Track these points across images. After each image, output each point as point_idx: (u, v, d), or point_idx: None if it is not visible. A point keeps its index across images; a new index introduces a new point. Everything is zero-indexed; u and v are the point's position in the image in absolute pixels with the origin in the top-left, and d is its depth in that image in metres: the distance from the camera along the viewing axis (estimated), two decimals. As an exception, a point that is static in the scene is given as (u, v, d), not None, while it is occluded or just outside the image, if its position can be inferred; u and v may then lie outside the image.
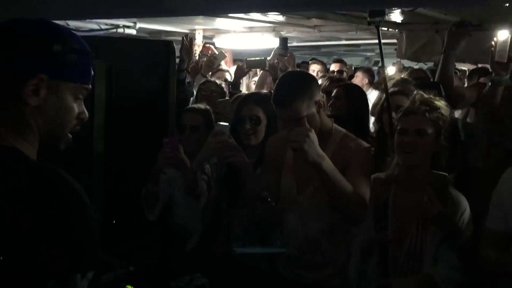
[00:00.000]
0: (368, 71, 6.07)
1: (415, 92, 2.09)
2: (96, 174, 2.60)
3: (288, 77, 2.22)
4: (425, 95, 2.04)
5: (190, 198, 2.45)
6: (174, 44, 3.01)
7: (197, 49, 4.51)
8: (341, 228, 2.16)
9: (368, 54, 10.48)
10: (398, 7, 3.12)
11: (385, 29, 4.58)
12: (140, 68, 2.80)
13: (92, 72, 1.14)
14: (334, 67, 5.67)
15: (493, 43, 2.68)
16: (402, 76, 4.48)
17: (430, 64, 5.05)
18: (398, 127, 2.02)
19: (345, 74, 5.54)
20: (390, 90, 2.79)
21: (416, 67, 5.41)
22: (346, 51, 9.52)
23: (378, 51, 8.84)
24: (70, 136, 1.14)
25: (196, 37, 4.55)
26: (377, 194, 2.07)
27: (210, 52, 4.55)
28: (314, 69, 5.51)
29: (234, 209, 2.46)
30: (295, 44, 6.90)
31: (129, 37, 3.32)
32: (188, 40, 3.56)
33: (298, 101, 2.02)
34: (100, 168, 2.61)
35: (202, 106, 2.84)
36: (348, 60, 9.60)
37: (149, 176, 2.45)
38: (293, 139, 1.92)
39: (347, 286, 2.09)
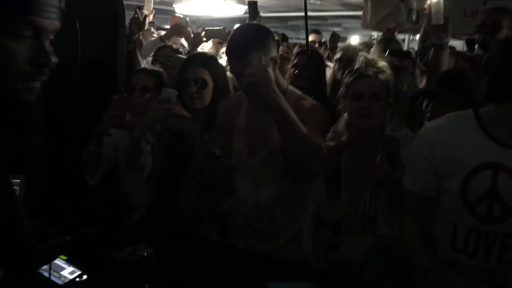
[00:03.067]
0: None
1: (359, 55, 2.04)
2: (33, 139, 2.39)
3: (243, 29, 2.05)
4: (368, 56, 1.99)
5: (133, 171, 2.29)
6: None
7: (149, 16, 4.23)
8: (293, 197, 2.05)
9: (335, 29, 10.41)
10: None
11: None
12: (85, 24, 2.57)
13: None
14: (310, 37, 5.50)
15: (426, 6, 2.55)
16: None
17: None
18: (351, 91, 1.93)
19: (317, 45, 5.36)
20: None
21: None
22: (313, 25, 9.40)
23: (345, 25, 8.76)
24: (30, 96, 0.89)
25: (146, 5, 4.27)
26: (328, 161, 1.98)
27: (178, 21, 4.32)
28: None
29: (181, 179, 2.30)
30: (260, 14, 6.72)
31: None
32: (141, 15, 3.31)
33: (252, 54, 1.88)
34: (38, 133, 2.40)
35: (154, 67, 2.65)
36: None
37: (91, 137, 2.26)
38: (250, 73, 1.78)
39: (299, 257, 1.99)
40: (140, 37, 3.96)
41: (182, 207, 2.29)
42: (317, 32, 5.59)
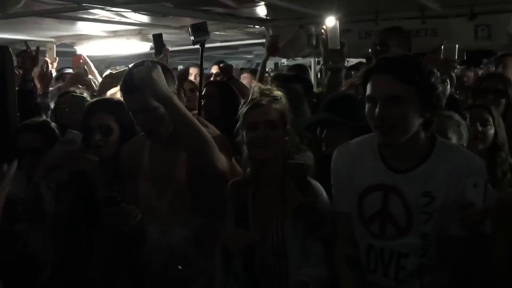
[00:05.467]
0: (254, 72, 6.07)
1: (253, 85, 2.05)
2: None
3: (139, 64, 1.98)
4: (263, 86, 2.01)
5: (37, 226, 2.16)
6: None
7: (50, 65, 4.06)
8: (207, 235, 2.01)
9: (249, 56, 10.60)
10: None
11: (251, 26, 4.56)
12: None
13: None
14: (213, 69, 5.53)
15: (323, 31, 2.65)
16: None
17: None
18: (246, 121, 1.92)
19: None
20: None
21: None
22: (226, 54, 9.48)
23: (257, 52, 8.90)
24: None
25: (48, 53, 4.08)
26: (235, 197, 1.97)
27: (82, 61, 4.17)
28: (192, 72, 5.34)
29: (92, 232, 2.18)
30: (170, 48, 6.68)
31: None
32: (29, 47, 3.16)
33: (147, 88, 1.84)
34: None
35: (38, 120, 2.46)
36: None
37: None
38: (138, 76, 1.76)
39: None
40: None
41: (93, 263, 2.17)
42: (219, 63, 5.65)
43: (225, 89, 3.25)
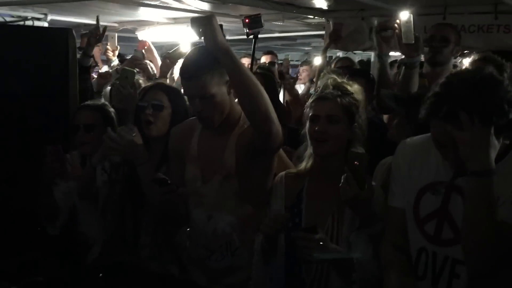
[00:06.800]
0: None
1: (327, 76, 1.94)
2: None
3: (198, 51, 1.94)
4: (338, 79, 1.90)
5: (87, 201, 2.25)
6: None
7: (111, 54, 4.15)
8: (253, 225, 1.95)
9: (306, 48, 10.44)
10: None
11: (311, 17, 4.46)
12: (33, 59, 2.48)
13: None
14: (264, 59, 5.52)
15: (396, 25, 2.53)
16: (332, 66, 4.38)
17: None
18: (310, 114, 1.86)
19: (276, 66, 5.39)
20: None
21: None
22: (284, 46, 9.40)
23: (315, 44, 8.76)
24: None
25: (109, 41, 4.19)
26: (289, 189, 1.91)
27: (146, 47, 4.24)
28: (244, 62, 5.34)
29: (140, 213, 2.21)
30: (227, 37, 6.70)
31: (19, 25, 2.98)
32: (99, 22, 3.21)
33: (207, 75, 1.83)
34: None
35: (98, 101, 2.56)
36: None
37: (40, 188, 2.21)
38: (198, 22, 1.71)
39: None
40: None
41: (141, 243, 2.20)
42: (270, 53, 5.63)
43: (267, 80, 3.19)
